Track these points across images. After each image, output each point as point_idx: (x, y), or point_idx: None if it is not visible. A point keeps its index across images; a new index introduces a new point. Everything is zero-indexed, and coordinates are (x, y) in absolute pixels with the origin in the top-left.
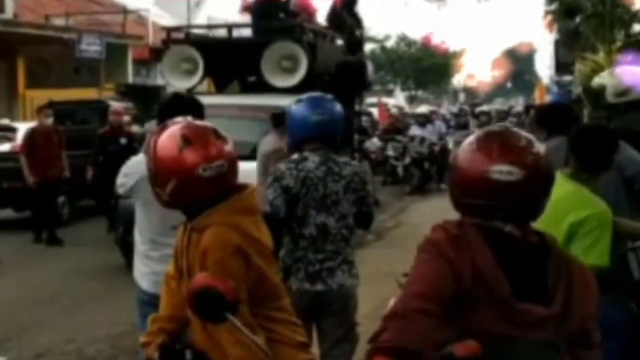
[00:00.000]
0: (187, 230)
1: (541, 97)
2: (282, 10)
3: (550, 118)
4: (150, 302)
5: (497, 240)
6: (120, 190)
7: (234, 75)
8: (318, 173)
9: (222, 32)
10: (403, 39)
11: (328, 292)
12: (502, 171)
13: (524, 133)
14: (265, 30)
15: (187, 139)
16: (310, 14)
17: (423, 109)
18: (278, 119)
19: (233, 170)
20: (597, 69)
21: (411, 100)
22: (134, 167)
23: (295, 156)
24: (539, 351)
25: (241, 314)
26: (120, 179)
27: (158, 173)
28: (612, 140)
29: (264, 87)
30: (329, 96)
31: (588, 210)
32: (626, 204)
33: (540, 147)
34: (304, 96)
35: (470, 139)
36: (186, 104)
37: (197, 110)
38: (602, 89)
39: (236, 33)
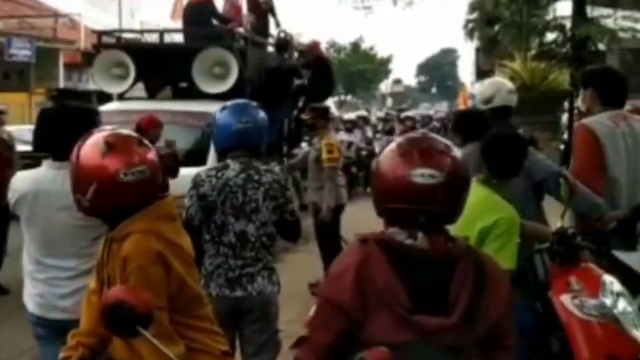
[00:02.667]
0: (108, 241)
1: (465, 103)
2: (213, 15)
3: (465, 124)
4: (37, 323)
5: (400, 255)
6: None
7: (166, 80)
8: (238, 181)
9: (155, 38)
10: (333, 45)
11: (248, 298)
12: (423, 174)
13: (442, 139)
14: (196, 36)
15: (110, 145)
16: (240, 19)
17: (354, 114)
18: None
19: (155, 177)
20: (514, 76)
21: (340, 105)
22: (15, 183)
23: (218, 164)
24: (437, 355)
25: (161, 322)
26: (8, 195)
27: (79, 179)
28: (521, 147)
29: (196, 93)
30: (253, 103)
31: (497, 215)
32: (534, 208)
33: (457, 152)
34: (228, 103)
35: (391, 145)
36: (74, 113)
37: (88, 118)
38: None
39: (169, 39)
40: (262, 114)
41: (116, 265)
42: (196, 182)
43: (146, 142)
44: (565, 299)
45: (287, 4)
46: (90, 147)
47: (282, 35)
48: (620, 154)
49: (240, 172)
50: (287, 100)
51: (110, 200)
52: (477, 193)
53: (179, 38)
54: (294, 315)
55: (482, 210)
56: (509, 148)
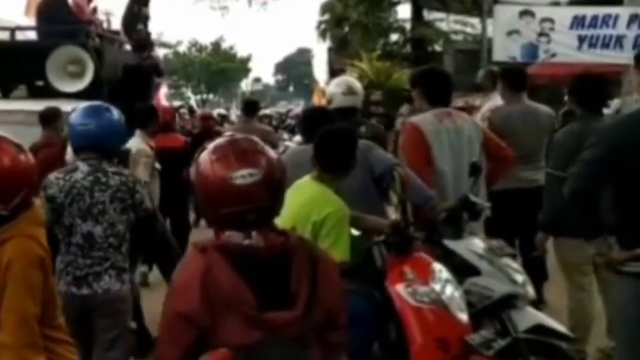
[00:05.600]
0: None
1: (319, 101)
2: (68, 13)
3: (309, 123)
4: None
5: (240, 257)
6: None
7: (20, 79)
8: (85, 183)
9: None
10: (194, 44)
11: (93, 295)
12: (244, 175)
13: (252, 138)
14: (50, 34)
15: None
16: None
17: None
18: None
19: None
20: (363, 75)
21: (203, 103)
22: None
23: (69, 165)
24: (284, 348)
25: (34, 332)
26: None
27: None
28: (349, 143)
29: (53, 92)
30: (104, 105)
31: (328, 209)
32: (375, 202)
33: (267, 148)
34: (80, 105)
35: (205, 154)
36: None
37: None
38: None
39: (23, 36)
40: (111, 116)
41: None
42: (45, 185)
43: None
44: (400, 287)
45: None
46: None
47: (141, 34)
48: (444, 149)
49: (88, 174)
50: (147, 99)
51: None
52: (311, 189)
53: (33, 35)
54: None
55: (315, 205)
56: (337, 144)
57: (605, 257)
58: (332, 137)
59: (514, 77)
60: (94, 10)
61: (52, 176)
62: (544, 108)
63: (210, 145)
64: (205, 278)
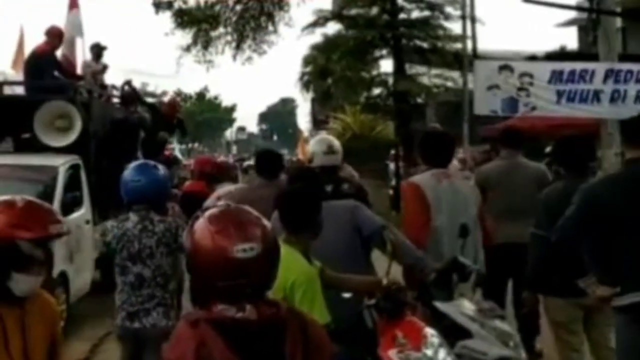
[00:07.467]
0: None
1: (303, 152)
2: (56, 68)
3: (295, 183)
4: None
5: (233, 331)
6: None
7: (7, 132)
8: (134, 231)
9: None
10: (179, 94)
11: (143, 329)
12: (245, 249)
13: (248, 208)
14: (38, 88)
15: None
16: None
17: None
18: None
19: None
20: (346, 127)
21: (188, 153)
22: None
23: (122, 215)
24: None
25: None
26: None
27: None
28: (311, 203)
29: (40, 146)
30: (152, 164)
31: (294, 273)
32: (365, 261)
33: (263, 219)
34: (131, 164)
35: (203, 224)
36: None
37: None
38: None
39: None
40: (157, 173)
41: (42, 325)
42: (103, 232)
43: None
44: (392, 353)
45: (131, 55)
46: None
47: (127, 88)
48: (442, 207)
49: (137, 223)
50: (134, 153)
51: None
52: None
53: (21, 89)
54: None
55: (281, 269)
56: (298, 205)
57: (593, 294)
58: (292, 198)
59: (508, 138)
60: (104, 67)
61: (108, 225)
62: (533, 164)
63: (207, 214)
64: (199, 355)
